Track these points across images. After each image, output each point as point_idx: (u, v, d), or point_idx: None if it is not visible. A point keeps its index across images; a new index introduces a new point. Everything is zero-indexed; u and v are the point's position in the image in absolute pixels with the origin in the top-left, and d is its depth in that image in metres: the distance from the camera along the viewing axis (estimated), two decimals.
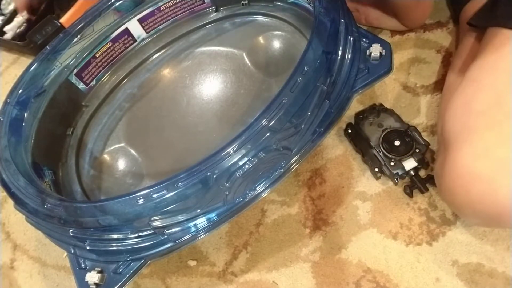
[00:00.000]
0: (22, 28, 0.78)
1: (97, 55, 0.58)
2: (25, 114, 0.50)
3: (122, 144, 0.56)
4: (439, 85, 0.51)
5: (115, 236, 0.39)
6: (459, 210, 0.39)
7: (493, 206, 0.33)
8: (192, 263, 0.49)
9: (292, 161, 0.38)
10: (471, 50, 0.46)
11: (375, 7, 0.55)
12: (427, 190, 0.45)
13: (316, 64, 0.37)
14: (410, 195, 0.45)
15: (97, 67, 0.59)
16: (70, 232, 0.39)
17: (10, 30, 0.79)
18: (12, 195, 0.42)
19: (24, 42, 0.74)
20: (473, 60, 0.41)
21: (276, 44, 0.55)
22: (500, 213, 0.33)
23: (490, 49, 0.39)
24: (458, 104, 0.38)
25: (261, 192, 0.38)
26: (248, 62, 0.56)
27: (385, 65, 0.43)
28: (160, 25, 0.61)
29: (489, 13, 0.42)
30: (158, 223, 0.37)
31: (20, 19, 0.79)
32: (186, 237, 0.38)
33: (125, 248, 0.39)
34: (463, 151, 0.35)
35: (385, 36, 0.57)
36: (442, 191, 0.39)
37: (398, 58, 0.54)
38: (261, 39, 0.56)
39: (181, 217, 0.37)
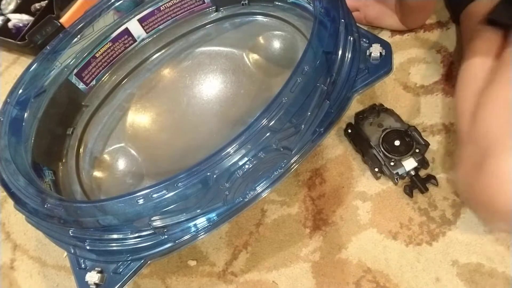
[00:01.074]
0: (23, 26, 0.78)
1: (97, 55, 0.58)
2: (25, 114, 0.50)
3: (122, 144, 0.56)
4: (439, 85, 0.51)
5: (115, 236, 0.39)
6: (493, 215, 0.36)
7: None
8: (192, 263, 0.49)
9: (292, 161, 0.38)
10: (495, 46, 0.42)
11: (375, 5, 0.55)
12: (427, 190, 0.45)
13: (316, 64, 0.37)
14: (410, 195, 0.45)
15: (97, 67, 0.59)
16: (70, 232, 0.39)
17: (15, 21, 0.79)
18: (12, 195, 0.42)
19: (24, 42, 0.74)
20: (498, 56, 0.38)
21: (276, 44, 0.55)
22: None
23: None
24: (498, 105, 0.35)
25: (261, 192, 0.38)
26: (248, 62, 0.56)
27: (385, 65, 0.43)
28: (160, 25, 0.61)
29: None
30: (158, 223, 0.37)
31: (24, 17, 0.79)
32: (186, 237, 0.38)
33: (125, 248, 0.39)
34: (508, 157, 0.33)
35: (385, 36, 0.57)
36: (474, 197, 0.37)
37: (398, 58, 0.54)
38: (261, 39, 0.56)
39: (181, 217, 0.37)
